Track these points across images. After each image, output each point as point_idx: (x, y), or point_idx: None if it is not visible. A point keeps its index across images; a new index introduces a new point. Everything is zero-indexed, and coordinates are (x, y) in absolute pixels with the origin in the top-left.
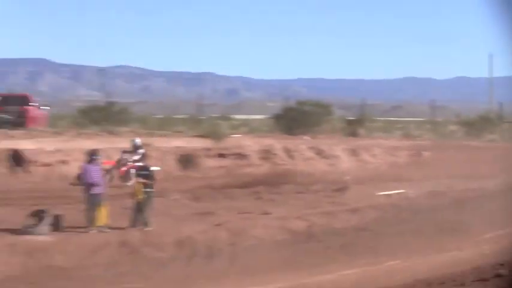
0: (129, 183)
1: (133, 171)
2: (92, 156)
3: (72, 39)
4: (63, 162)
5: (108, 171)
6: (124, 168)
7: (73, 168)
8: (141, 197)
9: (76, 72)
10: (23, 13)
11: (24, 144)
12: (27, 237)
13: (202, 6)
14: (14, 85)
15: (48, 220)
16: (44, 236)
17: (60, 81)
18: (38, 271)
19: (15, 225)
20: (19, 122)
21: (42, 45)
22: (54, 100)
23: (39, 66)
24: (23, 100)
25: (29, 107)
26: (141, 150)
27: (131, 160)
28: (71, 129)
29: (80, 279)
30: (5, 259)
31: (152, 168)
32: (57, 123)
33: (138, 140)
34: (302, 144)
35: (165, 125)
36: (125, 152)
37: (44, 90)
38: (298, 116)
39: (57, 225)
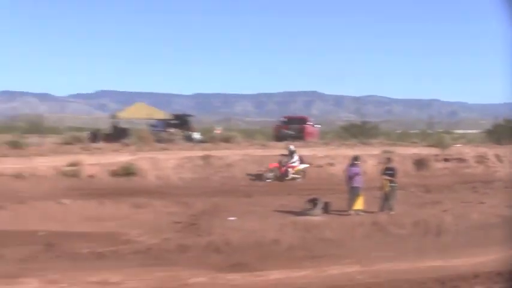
0: (287, 178)
1: (290, 170)
2: (354, 160)
3: (335, 74)
4: (330, 164)
5: (273, 170)
6: (284, 168)
7: (337, 169)
8: (387, 189)
9: (338, 101)
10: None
11: (304, 151)
12: (305, 218)
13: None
14: (294, 110)
15: (320, 205)
16: (317, 217)
17: (326, 107)
18: (313, 241)
19: (296, 209)
20: (299, 136)
21: (314, 80)
22: (322, 120)
23: (311, 97)
24: (302, 120)
25: (306, 125)
26: (295, 155)
27: (290, 162)
28: (336, 141)
29: (345, 247)
30: (290, 232)
31: (393, 168)
32: (325, 137)
33: (291, 147)
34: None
35: (404, 137)
36: (283, 155)
37: (315, 113)
38: (505, 130)
39: (326, 209)
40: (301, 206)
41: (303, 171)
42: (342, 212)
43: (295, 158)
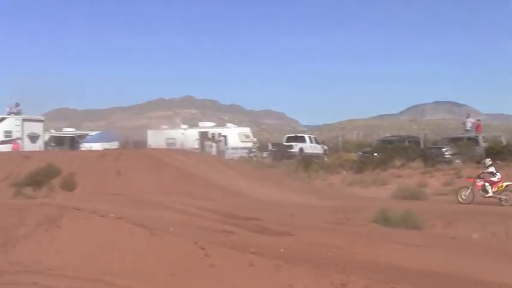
0: (487, 195)
1: (487, 184)
2: None
3: None
4: None
5: (470, 187)
6: (480, 183)
7: None
8: None
9: None
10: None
11: None
12: None
13: None
14: None
15: None
16: None
17: None
18: None
19: None
20: None
21: None
22: None
23: None
24: None
25: None
26: (491, 169)
27: (487, 176)
28: None
29: None
30: None
31: None
32: None
33: (487, 160)
34: None
35: None
36: (482, 173)
37: None
38: None
39: None
40: None
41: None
42: None
43: (491, 170)
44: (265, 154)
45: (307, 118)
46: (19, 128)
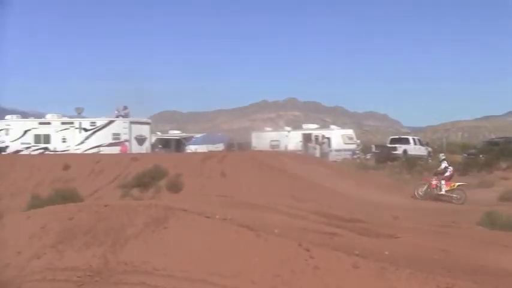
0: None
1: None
2: None
3: None
4: None
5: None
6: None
7: None
8: None
9: None
10: None
11: None
12: None
13: None
14: None
15: None
16: None
17: None
18: None
19: None
20: None
21: None
22: None
23: None
24: None
25: None
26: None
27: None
28: None
29: None
30: None
31: None
32: None
33: (441, 155)
34: None
35: None
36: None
37: None
38: None
39: None
40: None
41: (461, 189)
42: None
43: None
44: (368, 156)
45: (411, 120)
46: (127, 131)
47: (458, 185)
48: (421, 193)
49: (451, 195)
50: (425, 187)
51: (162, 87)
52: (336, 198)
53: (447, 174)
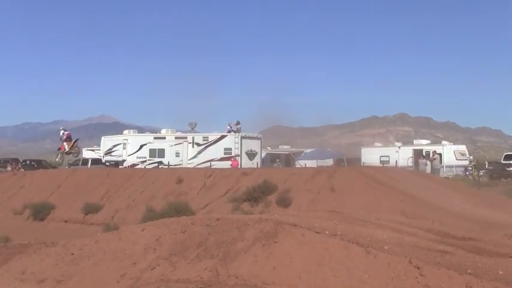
0: None
1: None
2: None
3: None
4: None
5: None
6: None
7: None
8: None
9: None
10: None
11: None
12: None
13: None
14: None
15: None
16: None
17: None
18: None
19: None
20: None
21: None
22: None
23: None
24: None
25: None
26: None
27: None
28: None
29: None
30: None
31: None
32: None
33: None
34: None
35: None
36: None
37: None
38: None
39: None
40: None
41: None
42: None
43: None
44: (481, 173)
45: None
46: (238, 146)
47: None
48: None
49: None
50: None
51: (272, 102)
52: (447, 215)
53: None
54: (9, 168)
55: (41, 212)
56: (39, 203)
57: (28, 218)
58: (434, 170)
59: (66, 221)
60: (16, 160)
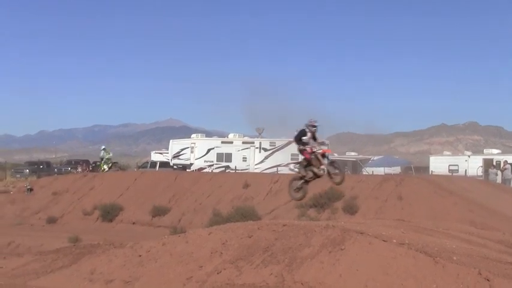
0: None
1: None
2: None
3: None
4: None
5: None
6: None
7: None
8: None
9: None
10: None
11: None
12: None
13: None
14: None
15: None
16: None
17: None
18: None
19: None
20: None
21: None
22: None
23: None
24: None
25: None
26: None
27: None
28: None
29: None
30: None
31: None
32: None
33: None
34: None
35: None
36: None
37: None
38: None
39: None
40: None
41: None
42: None
43: None
44: None
45: None
46: None
47: None
48: None
49: None
50: None
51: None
52: None
53: None
54: (79, 170)
55: (109, 213)
56: (108, 204)
57: (97, 219)
58: (505, 180)
59: (134, 223)
60: (87, 162)
